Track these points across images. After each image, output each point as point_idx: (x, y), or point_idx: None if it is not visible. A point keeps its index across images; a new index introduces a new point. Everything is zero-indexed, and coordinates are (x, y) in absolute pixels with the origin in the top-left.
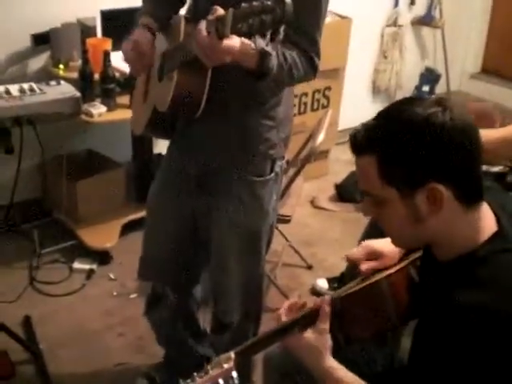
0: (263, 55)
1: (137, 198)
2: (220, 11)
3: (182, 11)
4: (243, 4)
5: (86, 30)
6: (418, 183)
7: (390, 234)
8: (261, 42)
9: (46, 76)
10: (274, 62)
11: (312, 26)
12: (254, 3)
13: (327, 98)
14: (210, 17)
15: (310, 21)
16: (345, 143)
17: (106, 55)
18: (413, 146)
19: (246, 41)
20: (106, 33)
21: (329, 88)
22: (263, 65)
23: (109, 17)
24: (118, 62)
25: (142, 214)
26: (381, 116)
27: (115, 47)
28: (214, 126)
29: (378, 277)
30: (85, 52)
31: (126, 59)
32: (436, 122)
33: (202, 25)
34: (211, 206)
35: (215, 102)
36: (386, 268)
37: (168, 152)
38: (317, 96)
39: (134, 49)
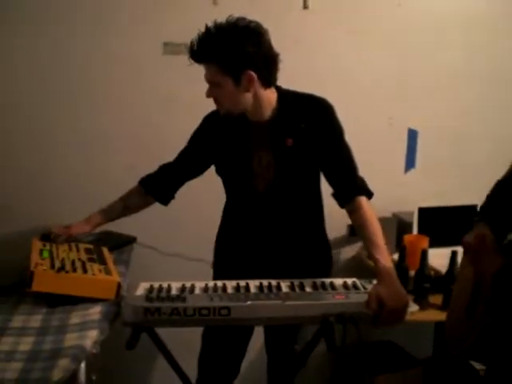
0: None
1: None
2: None
3: None
4: None
5: (403, 225)
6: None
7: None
8: None
9: (356, 265)
10: None
11: None
12: None
13: None
14: None
15: None
16: None
17: (424, 253)
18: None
19: None
20: (422, 229)
21: None
22: None
23: (426, 214)
24: (435, 260)
25: None
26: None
27: (432, 244)
28: None
29: None
30: (402, 248)
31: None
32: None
33: None
34: None
35: None
36: None
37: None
38: None
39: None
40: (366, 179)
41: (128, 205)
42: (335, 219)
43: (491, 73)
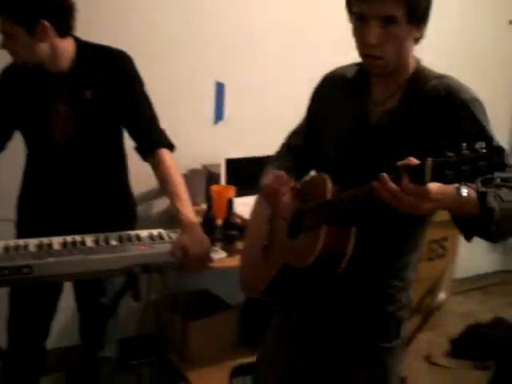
0: (481, 195)
1: (248, 341)
2: (414, 161)
3: None
4: (448, 153)
5: (212, 177)
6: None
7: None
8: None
9: (169, 218)
10: (492, 201)
11: None
12: (463, 153)
13: (443, 247)
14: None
15: None
16: (460, 294)
17: (230, 202)
18: None
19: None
20: (229, 180)
21: (445, 238)
22: (484, 206)
23: (233, 165)
24: (240, 208)
25: (252, 359)
26: None
27: (238, 194)
28: (344, 286)
29: None
30: (209, 198)
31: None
32: None
33: (386, 176)
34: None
35: (353, 261)
36: None
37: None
38: (433, 246)
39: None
40: (175, 132)
41: None
42: (145, 173)
43: (300, 21)
